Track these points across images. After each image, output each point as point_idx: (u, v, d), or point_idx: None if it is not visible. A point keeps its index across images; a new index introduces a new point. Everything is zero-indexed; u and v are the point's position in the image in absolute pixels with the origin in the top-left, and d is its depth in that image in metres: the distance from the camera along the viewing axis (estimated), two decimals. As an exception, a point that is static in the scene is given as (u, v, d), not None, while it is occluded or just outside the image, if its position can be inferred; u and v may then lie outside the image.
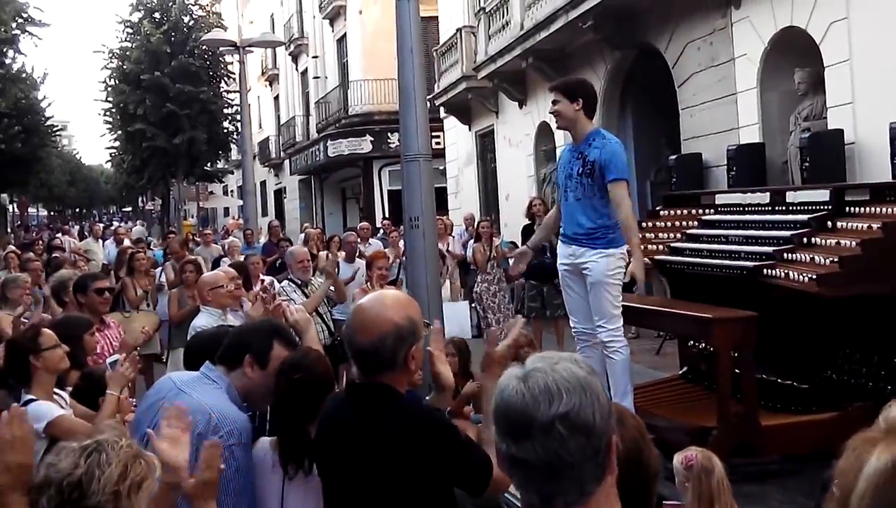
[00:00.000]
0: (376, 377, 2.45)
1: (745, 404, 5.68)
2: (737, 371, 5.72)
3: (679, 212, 7.51)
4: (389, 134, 24.61)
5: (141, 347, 6.84)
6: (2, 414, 2.21)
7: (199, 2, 32.44)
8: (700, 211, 7.28)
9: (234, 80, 28.99)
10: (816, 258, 5.44)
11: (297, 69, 34.64)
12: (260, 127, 39.75)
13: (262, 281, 7.50)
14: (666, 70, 11.43)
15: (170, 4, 30.22)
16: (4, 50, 23.51)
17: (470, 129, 19.48)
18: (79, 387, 4.36)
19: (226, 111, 31.19)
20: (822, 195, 5.97)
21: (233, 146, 33.06)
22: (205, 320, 5.10)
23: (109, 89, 31.49)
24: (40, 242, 18.21)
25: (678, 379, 7.23)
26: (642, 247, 7.16)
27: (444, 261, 10.75)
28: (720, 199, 7.19)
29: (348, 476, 2.47)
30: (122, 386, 3.97)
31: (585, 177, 5.63)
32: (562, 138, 12.88)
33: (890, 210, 5.40)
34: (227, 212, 45.40)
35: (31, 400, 3.71)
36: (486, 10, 16.16)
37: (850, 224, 5.57)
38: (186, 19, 30.80)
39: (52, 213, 63.29)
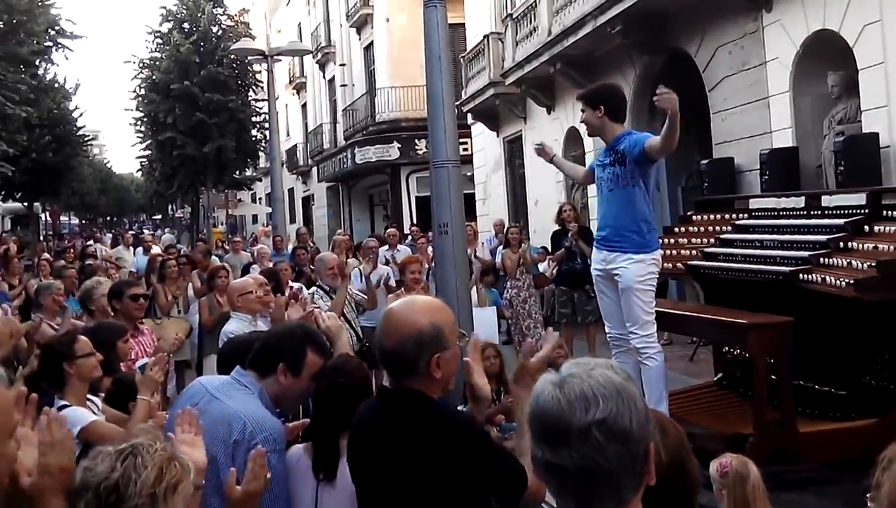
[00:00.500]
0: (404, 381, 2.42)
1: (783, 410, 5.62)
2: (773, 377, 5.65)
3: (712, 216, 7.45)
4: (416, 140, 24.74)
5: (173, 353, 6.88)
6: (40, 418, 2.21)
7: (228, 12, 32.73)
8: (733, 215, 7.22)
9: (262, 88, 29.24)
10: (854, 262, 5.37)
11: (324, 77, 34.86)
12: (288, 135, 40.04)
13: (291, 287, 7.51)
14: (696, 74, 11.33)
15: (199, 15, 30.48)
16: (37, 61, 23.84)
17: (498, 135, 19.46)
18: (110, 392, 4.39)
19: (254, 119, 31.36)
20: (859, 199, 5.90)
21: (261, 154, 33.24)
22: (235, 325, 5.26)
23: (140, 99, 31.84)
24: (72, 250, 18.44)
25: (713, 385, 7.19)
26: (674, 252, 7.12)
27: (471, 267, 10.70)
28: (754, 204, 7.13)
29: (380, 481, 2.44)
30: (153, 390, 3.99)
31: (618, 165, 5.65)
32: (591, 144, 12.81)
33: (929, 213, 5.32)
34: (255, 219, 45.76)
35: (65, 406, 3.72)
36: (514, 17, 16.12)
37: (887, 228, 5.50)
38: (215, 29, 31.03)
39: (83, 221, 64.03)
